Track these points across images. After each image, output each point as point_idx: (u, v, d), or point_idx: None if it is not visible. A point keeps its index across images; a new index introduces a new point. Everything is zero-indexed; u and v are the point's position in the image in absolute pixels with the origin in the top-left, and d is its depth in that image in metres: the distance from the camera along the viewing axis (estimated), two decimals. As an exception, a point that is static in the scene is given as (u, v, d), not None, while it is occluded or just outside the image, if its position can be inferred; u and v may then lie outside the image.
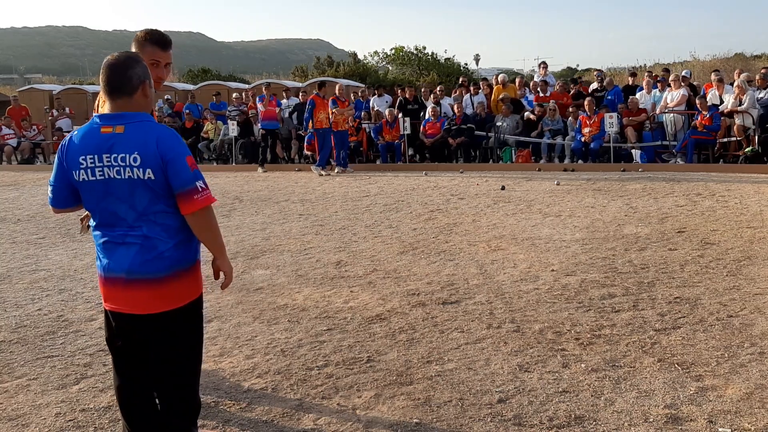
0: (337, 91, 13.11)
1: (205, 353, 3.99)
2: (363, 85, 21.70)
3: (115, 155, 2.49)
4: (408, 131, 13.97)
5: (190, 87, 21.52)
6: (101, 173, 2.52)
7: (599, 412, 3.09)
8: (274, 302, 4.95)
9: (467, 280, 5.31)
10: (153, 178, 2.50)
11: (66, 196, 2.67)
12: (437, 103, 14.69)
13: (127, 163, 2.49)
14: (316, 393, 3.41)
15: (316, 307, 4.78)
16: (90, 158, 2.52)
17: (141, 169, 2.48)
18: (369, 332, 4.25)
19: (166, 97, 18.13)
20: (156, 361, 2.64)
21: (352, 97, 16.32)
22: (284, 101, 16.31)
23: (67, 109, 18.62)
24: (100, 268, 2.71)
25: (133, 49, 3.02)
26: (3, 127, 17.58)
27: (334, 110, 12.81)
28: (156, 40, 3.08)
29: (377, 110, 15.49)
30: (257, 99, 14.58)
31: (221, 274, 2.83)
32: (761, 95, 11.81)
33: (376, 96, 16.52)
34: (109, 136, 2.52)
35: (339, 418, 3.13)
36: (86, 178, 2.54)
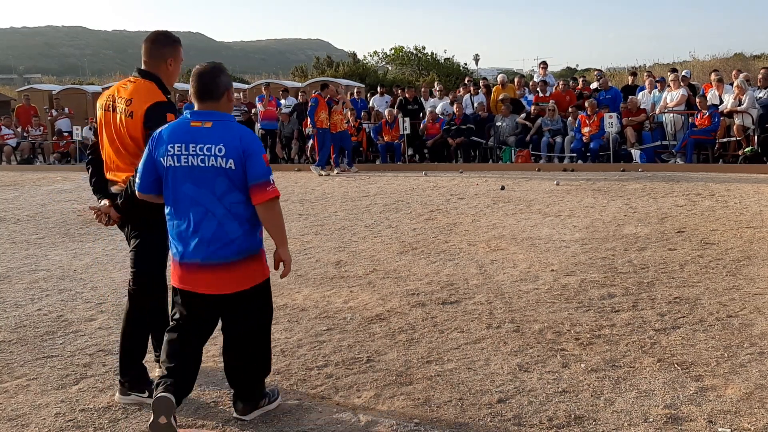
0: (330, 93, 13.12)
1: (205, 353, 3.99)
2: (362, 85, 21.70)
3: (201, 145, 2.90)
4: (407, 131, 13.98)
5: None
6: (186, 160, 2.91)
7: (599, 412, 3.09)
8: (274, 302, 4.94)
9: (467, 280, 5.31)
10: (233, 168, 2.88)
11: (151, 182, 3.02)
12: (453, 101, 14.68)
13: (212, 153, 2.88)
14: (316, 393, 3.41)
15: (316, 307, 4.78)
16: (177, 146, 2.92)
17: (224, 159, 2.88)
18: (369, 332, 4.25)
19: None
20: (229, 333, 3.08)
21: (349, 96, 16.33)
22: (282, 101, 16.30)
23: (66, 110, 18.61)
24: (176, 254, 3.01)
25: (170, 51, 3.42)
26: (3, 127, 17.58)
27: (335, 108, 12.84)
28: (179, 41, 3.50)
29: (377, 110, 15.49)
30: (256, 99, 14.58)
31: (281, 264, 3.13)
32: (761, 95, 11.81)
33: (377, 96, 16.53)
34: (198, 129, 2.92)
35: (339, 418, 3.13)
36: (172, 164, 2.93)
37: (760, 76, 12.23)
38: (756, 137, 11.50)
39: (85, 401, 3.40)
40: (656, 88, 13.42)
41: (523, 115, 13.81)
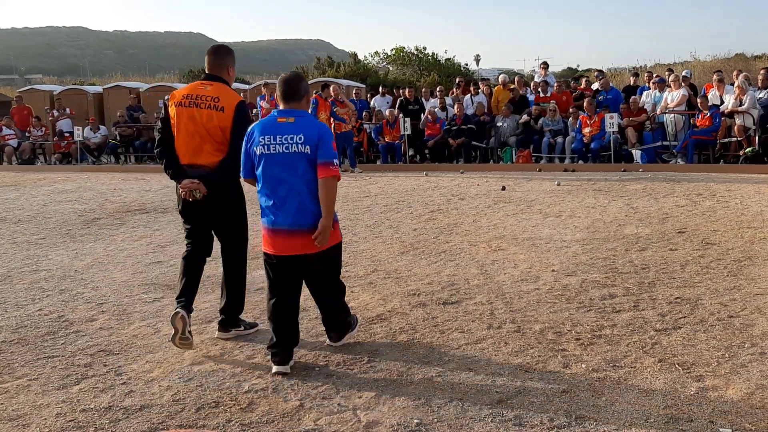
0: (332, 92, 13.01)
1: (206, 353, 4.00)
2: (363, 86, 21.70)
3: (286, 136, 3.67)
4: (408, 132, 13.98)
5: (191, 87, 21.49)
6: (274, 149, 3.68)
7: (600, 413, 3.09)
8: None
9: (468, 281, 5.31)
10: (309, 153, 3.65)
11: (249, 169, 3.82)
12: (443, 107, 14.67)
13: (294, 142, 3.66)
14: (317, 393, 3.41)
15: (316, 308, 4.77)
16: (267, 138, 3.70)
17: (304, 146, 3.65)
18: (369, 332, 4.25)
19: (166, 97, 18.09)
20: (313, 284, 3.87)
21: (354, 96, 16.32)
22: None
23: (67, 110, 18.60)
24: (267, 222, 3.76)
25: (230, 60, 4.26)
26: (3, 127, 17.57)
27: (337, 110, 12.80)
28: (233, 52, 4.35)
29: (378, 110, 15.49)
30: (258, 98, 14.56)
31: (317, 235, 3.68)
32: (761, 95, 11.81)
33: (378, 96, 16.52)
34: (283, 124, 3.71)
35: (339, 419, 3.13)
36: (263, 152, 3.70)
37: (760, 77, 12.22)
38: (757, 137, 11.49)
39: (86, 401, 3.41)
40: (649, 88, 13.44)
41: (525, 115, 13.79)
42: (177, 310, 3.96)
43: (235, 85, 23.84)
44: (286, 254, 3.72)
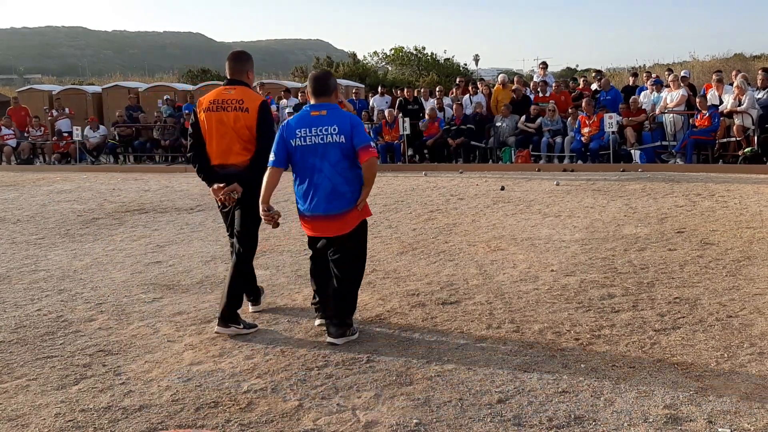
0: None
1: (205, 353, 4.00)
2: (362, 86, 21.70)
3: (320, 127, 4.03)
4: (407, 131, 13.97)
5: (190, 87, 21.47)
6: (309, 140, 4.04)
7: (599, 413, 3.09)
8: (274, 302, 4.95)
9: (467, 281, 5.31)
10: (344, 142, 4.02)
11: (284, 158, 4.12)
12: (441, 108, 14.65)
13: (329, 132, 4.02)
14: (316, 393, 3.41)
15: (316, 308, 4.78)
16: (303, 130, 4.06)
17: (338, 135, 4.02)
18: (368, 332, 4.25)
19: (165, 97, 18.07)
20: (343, 256, 4.15)
21: (354, 96, 16.31)
22: (283, 101, 16.29)
23: (66, 110, 18.59)
24: (304, 209, 4.15)
25: (250, 65, 4.57)
26: (2, 127, 17.56)
27: None
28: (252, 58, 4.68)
29: (378, 110, 15.47)
30: None
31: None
32: (760, 95, 11.81)
33: (377, 96, 16.52)
34: (316, 117, 4.07)
35: (339, 419, 3.13)
36: (300, 144, 4.06)
37: (759, 77, 12.22)
38: (756, 137, 11.50)
39: (85, 401, 3.40)
40: (645, 89, 13.44)
41: (524, 117, 13.78)
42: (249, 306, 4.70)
43: (234, 84, 23.61)
44: (322, 235, 4.19)
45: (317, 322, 4.35)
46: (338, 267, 4.15)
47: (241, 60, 4.52)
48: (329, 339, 4.08)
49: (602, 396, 3.25)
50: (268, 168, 4.13)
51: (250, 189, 4.32)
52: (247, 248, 4.40)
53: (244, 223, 4.40)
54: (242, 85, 4.46)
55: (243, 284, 4.44)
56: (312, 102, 4.17)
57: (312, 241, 4.33)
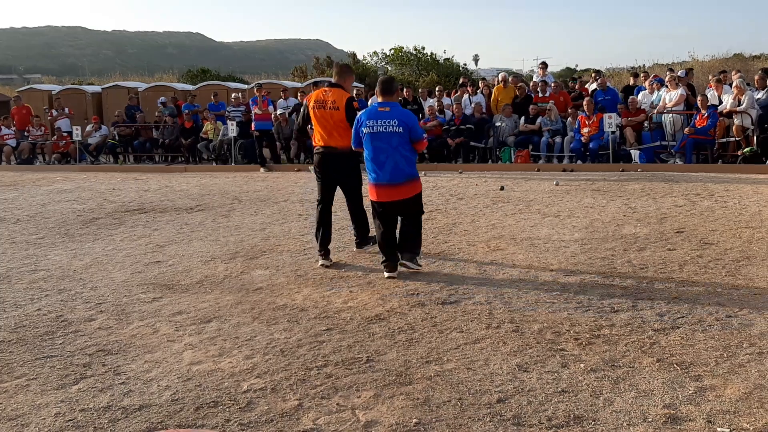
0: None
1: (205, 353, 4.00)
2: (362, 86, 21.69)
3: (385, 120, 5.46)
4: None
5: (190, 87, 21.47)
6: (377, 129, 5.47)
7: (598, 412, 3.09)
8: (274, 302, 4.96)
9: (466, 280, 5.31)
10: (401, 132, 5.45)
11: (358, 142, 5.63)
12: (441, 110, 14.63)
13: (390, 124, 5.45)
14: (316, 393, 3.41)
15: (316, 307, 4.79)
16: (372, 122, 5.48)
17: (397, 126, 5.44)
18: (368, 332, 4.25)
19: (161, 99, 18.04)
20: (406, 217, 5.63)
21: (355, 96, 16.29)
22: (281, 101, 16.28)
23: (66, 110, 18.59)
24: (373, 179, 5.56)
25: (351, 77, 6.34)
26: (2, 127, 17.55)
27: None
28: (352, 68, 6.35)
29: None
30: (250, 101, 14.51)
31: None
32: (760, 96, 11.82)
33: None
34: (382, 112, 5.49)
35: (338, 418, 3.13)
36: (369, 131, 5.50)
37: (757, 77, 12.23)
38: (755, 137, 11.51)
39: (85, 401, 3.41)
40: (644, 89, 13.44)
41: (523, 119, 13.77)
42: (320, 260, 5.96)
43: (233, 84, 23.63)
44: (388, 200, 5.53)
45: (386, 275, 5.50)
46: (407, 219, 5.64)
47: (344, 72, 6.18)
48: (402, 262, 5.56)
49: (602, 396, 3.26)
50: (353, 148, 5.81)
51: (348, 162, 6.04)
52: (357, 202, 6.26)
53: (350, 187, 6.18)
54: (339, 88, 6.01)
55: (364, 215, 6.27)
56: (379, 100, 5.61)
57: (377, 207, 5.63)
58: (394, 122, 5.43)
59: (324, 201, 6.13)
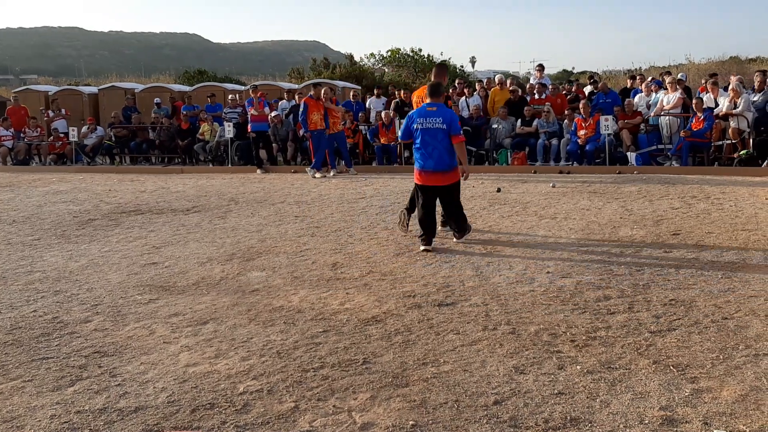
0: (322, 95, 12.87)
1: (201, 355, 3.99)
2: (359, 87, 21.68)
3: (431, 118, 6.49)
4: (404, 133, 13.93)
5: (186, 88, 21.44)
6: (425, 125, 6.51)
7: (595, 414, 3.09)
8: (270, 304, 4.95)
9: (463, 282, 5.32)
10: (445, 128, 6.45)
11: (407, 135, 6.71)
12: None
13: (436, 121, 6.47)
14: (312, 395, 3.41)
15: (312, 309, 4.78)
16: (422, 119, 6.53)
17: (442, 123, 6.46)
18: (365, 334, 4.25)
19: (156, 100, 18.01)
20: (446, 201, 6.64)
21: (352, 98, 16.30)
22: (284, 102, 16.27)
23: (63, 110, 18.54)
24: (420, 167, 6.59)
25: (445, 75, 7.42)
26: (1, 128, 17.51)
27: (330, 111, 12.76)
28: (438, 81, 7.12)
29: (376, 112, 15.45)
30: (246, 103, 14.48)
31: (465, 175, 6.73)
32: (756, 98, 11.85)
33: (373, 98, 16.50)
34: (430, 111, 6.52)
35: (334, 420, 3.13)
36: (419, 127, 6.53)
37: (758, 80, 12.25)
38: (751, 140, 11.53)
39: (81, 403, 3.40)
40: (640, 92, 13.46)
41: (520, 122, 13.79)
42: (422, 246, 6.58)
43: (230, 86, 23.53)
44: (433, 185, 6.55)
45: (422, 248, 6.44)
46: (448, 203, 6.65)
47: (443, 69, 7.46)
48: (455, 239, 6.75)
49: (598, 398, 3.26)
50: (401, 140, 7.47)
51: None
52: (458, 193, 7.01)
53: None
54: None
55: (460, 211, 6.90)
56: (428, 101, 6.65)
57: (422, 190, 6.61)
58: (440, 120, 6.46)
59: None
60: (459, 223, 6.71)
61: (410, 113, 6.76)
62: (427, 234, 6.47)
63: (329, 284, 5.42)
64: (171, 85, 23.80)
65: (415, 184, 6.67)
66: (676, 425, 2.97)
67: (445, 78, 7.28)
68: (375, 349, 3.98)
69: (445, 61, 7.96)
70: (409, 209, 7.17)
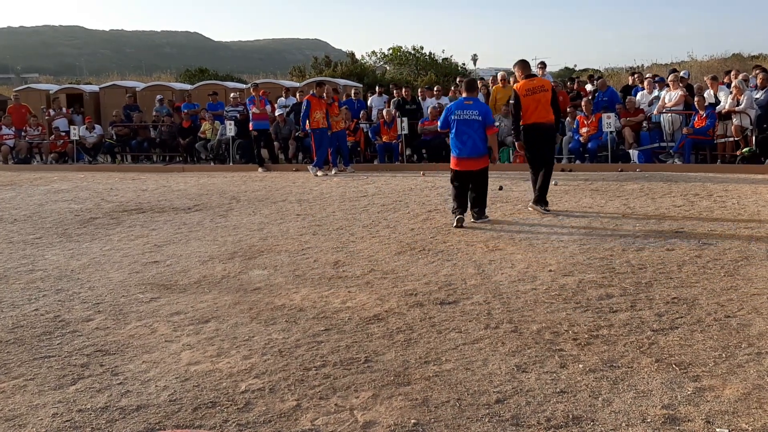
0: (324, 95, 12.87)
1: (203, 353, 3.99)
2: (360, 85, 21.66)
3: (468, 111, 7.53)
4: (406, 131, 13.95)
5: (188, 87, 21.44)
6: (462, 116, 7.53)
7: (597, 413, 3.09)
8: (272, 302, 4.95)
9: (465, 281, 5.31)
10: (480, 120, 7.50)
11: (446, 125, 7.72)
12: (441, 111, 14.59)
13: (472, 113, 7.51)
14: (314, 393, 3.40)
15: (314, 308, 4.78)
16: (459, 111, 7.56)
17: (477, 115, 7.51)
18: (366, 332, 4.24)
19: (158, 97, 18.02)
20: (476, 183, 7.57)
21: (345, 97, 16.28)
22: (282, 99, 16.26)
23: (63, 109, 18.55)
24: (456, 153, 7.59)
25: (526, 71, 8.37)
26: (3, 126, 17.51)
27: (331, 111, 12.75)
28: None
29: (378, 110, 15.43)
30: (247, 101, 14.47)
31: (495, 160, 8.39)
32: (759, 96, 11.82)
33: (375, 96, 16.47)
34: (468, 104, 7.57)
35: (336, 419, 3.13)
36: (457, 118, 7.54)
37: (760, 78, 12.22)
38: (754, 137, 11.51)
39: (83, 402, 3.40)
40: (656, 88, 13.42)
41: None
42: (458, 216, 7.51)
43: (231, 84, 23.52)
44: (467, 169, 7.52)
45: (455, 223, 7.32)
46: (477, 185, 7.54)
47: (526, 65, 8.32)
48: (473, 220, 7.52)
49: (600, 396, 3.25)
50: (439, 129, 8.36)
51: (553, 134, 8.36)
52: (552, 164, 8.28)
53: (551, 152, 8.39)
54: (534, 77, 8.32)
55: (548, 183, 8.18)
56: (464, 95, 7.66)
57: (457, 174, 7.56)
58: (475, 112, 7.45)
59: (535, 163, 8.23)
60: (481, 206, 7.57)
61: (448, 105, 7.90)
62: (460, 211, 7.42)
63: (331, 283, 5.42)
64: (172, 83, 23.81)
65: (451, 169, 7.61)
66: (678, 424, 2.96)
67: (526, 69, 8.22)
68: (377, 348, 3.98)
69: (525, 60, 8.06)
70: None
